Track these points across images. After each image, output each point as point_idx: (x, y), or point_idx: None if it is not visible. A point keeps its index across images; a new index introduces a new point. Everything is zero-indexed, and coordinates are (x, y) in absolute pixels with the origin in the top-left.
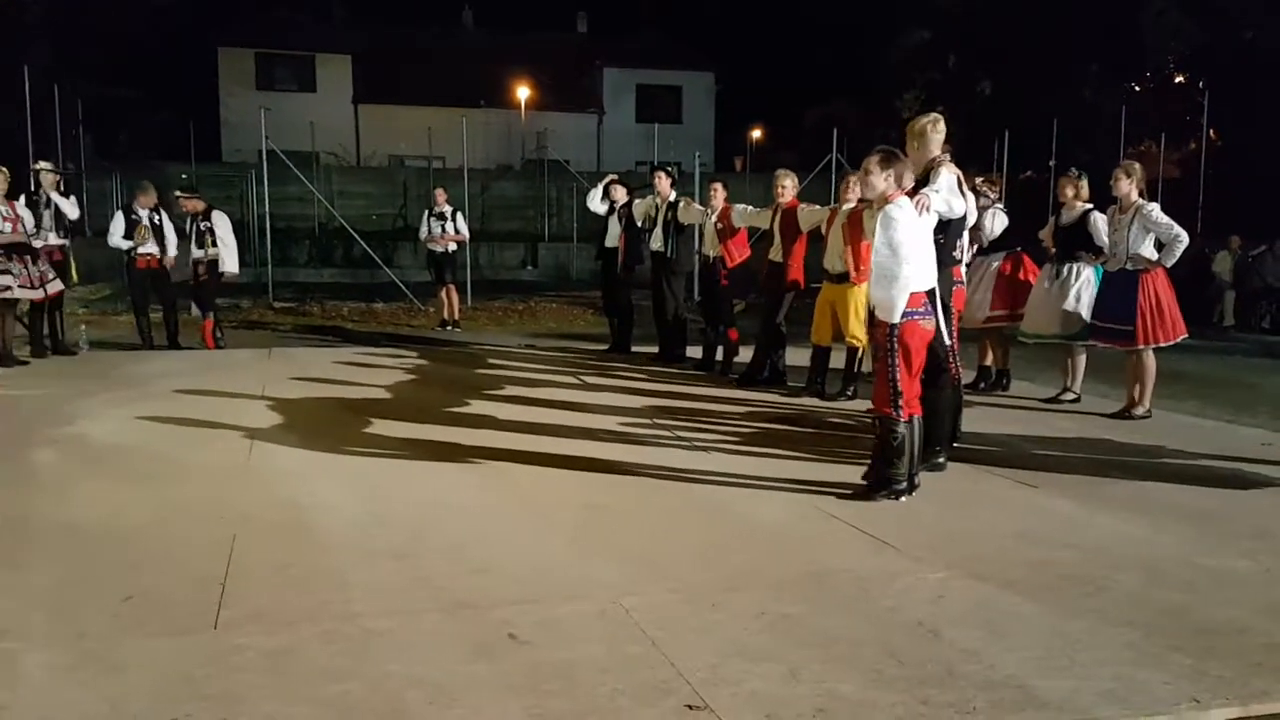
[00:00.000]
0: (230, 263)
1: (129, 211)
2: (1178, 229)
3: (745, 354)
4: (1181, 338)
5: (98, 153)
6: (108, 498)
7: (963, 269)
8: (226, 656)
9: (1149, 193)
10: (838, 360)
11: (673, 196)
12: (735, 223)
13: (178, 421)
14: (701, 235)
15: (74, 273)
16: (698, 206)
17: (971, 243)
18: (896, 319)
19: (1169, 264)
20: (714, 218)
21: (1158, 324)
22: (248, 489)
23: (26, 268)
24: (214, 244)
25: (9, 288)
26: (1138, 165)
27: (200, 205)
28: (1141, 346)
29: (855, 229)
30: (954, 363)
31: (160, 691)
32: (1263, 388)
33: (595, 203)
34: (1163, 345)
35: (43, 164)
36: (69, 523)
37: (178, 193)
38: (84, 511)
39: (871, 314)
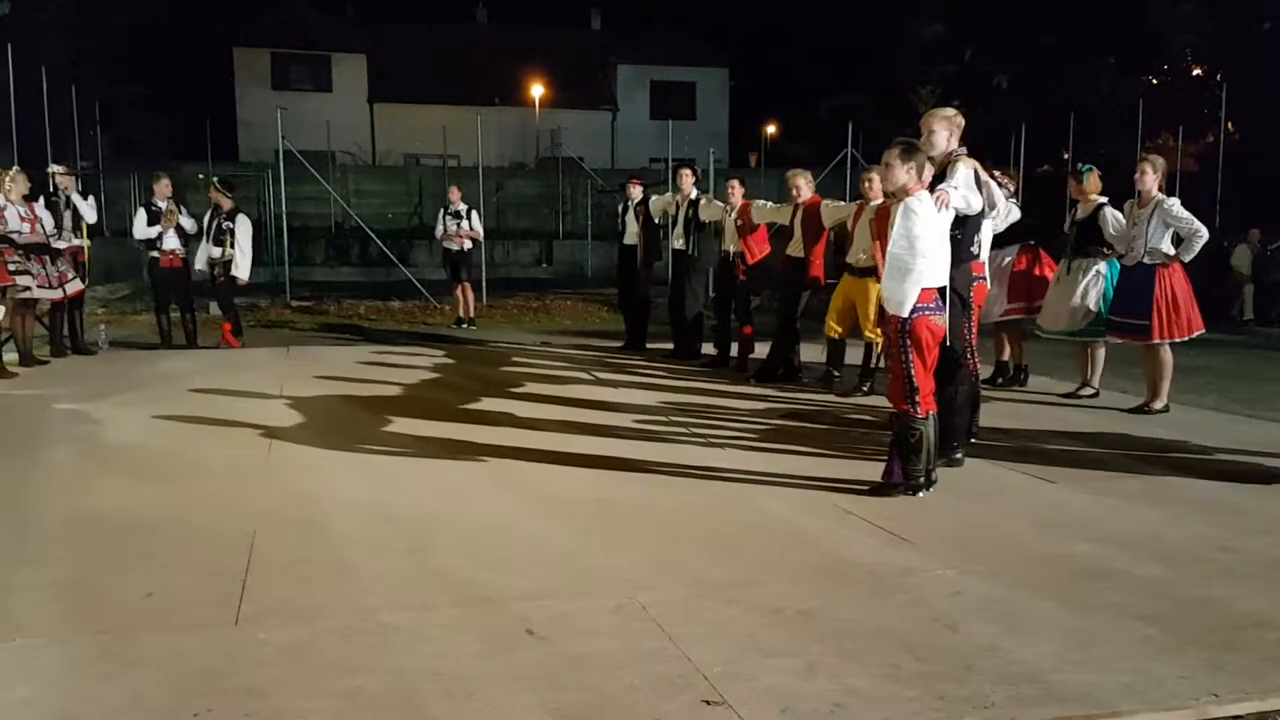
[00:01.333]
0: (243, 269)
1: (149, 206)
2: (1198, 224)
3: (760, 350)
4: (1198, 334)
5: (115, 152)
6: (128, 495)
7: (984, 265)
8: (246, 651)
9: (1167, 187)
10: (853, 355)
11: (693, 194)
12: (754, 219)
13: (197, 420)
14: (721, 232)
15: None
16: (718, 203)
17: None
18: (905, 313)
19: (1187, 259)
20: (734, 215)
21: (1173, 319)
22: (267, 486)
23: (45, 268)
24: (232, 245)
25: (28, 288)
26: (1161, 159)
27: (229, 204)
28: (1157, 341)
29: (884, 223)
30: (972, 358)
31: (180, 686)
32: None
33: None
34: (1178, 341)
35: (55, 167)
36: (89, 519)
37: (214, 182)
38: (104, 508)
39: (882, 309)
